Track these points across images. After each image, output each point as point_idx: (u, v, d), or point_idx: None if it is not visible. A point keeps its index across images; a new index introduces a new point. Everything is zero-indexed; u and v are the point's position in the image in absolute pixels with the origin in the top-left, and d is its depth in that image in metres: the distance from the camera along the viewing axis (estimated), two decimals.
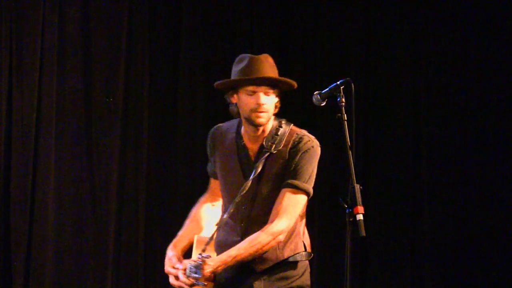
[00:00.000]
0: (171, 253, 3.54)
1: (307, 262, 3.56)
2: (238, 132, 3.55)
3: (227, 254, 3.35)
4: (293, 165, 3.42)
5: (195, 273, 3.25)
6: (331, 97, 3.33)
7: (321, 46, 5.84)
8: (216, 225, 3.50)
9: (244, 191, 3.42)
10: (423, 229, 5.75)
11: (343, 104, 3.21)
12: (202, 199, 3.75)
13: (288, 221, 3.39)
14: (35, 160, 5.57)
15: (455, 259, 5.70)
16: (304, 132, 3.50)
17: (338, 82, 3.26)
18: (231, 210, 3.43)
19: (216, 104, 5.81)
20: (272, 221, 3.38)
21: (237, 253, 3.35)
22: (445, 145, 5.77)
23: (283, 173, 3.43)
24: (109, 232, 5.62)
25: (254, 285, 3.45)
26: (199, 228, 3.65)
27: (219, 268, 3.33)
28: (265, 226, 3.38)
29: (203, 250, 3.46)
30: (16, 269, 5.51)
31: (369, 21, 5.89)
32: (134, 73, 5.77)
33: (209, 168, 3.69)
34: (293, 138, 3.46)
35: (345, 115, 3.20)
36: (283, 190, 3.41)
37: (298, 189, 3.41)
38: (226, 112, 5.78)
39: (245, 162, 3.50)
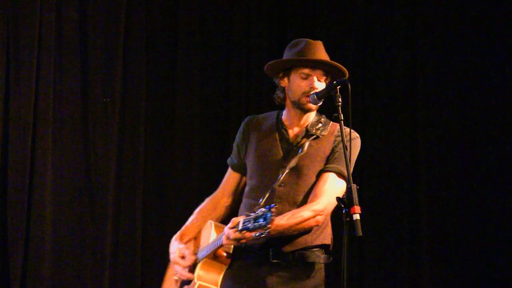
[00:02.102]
0: (181, 245, 3.53)
1: (323, 265, 3.50)
2: (278, 118, 3.53)
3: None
4: (338, 151, 3.43)
5: (264, 219, 2.99)
6: (328, 97, 3.34)
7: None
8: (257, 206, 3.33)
9: (292, 166, 3.37)
10: (420, 228, 5.76)
11: (340, 104, 3.22)
12: (211, 197, 3.70)
13: (328, 203, 3.37)
14: (32, 159, 5.55)
15: (452, 258, 5.70)
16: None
17: (335, 82, 3.26)
18: (279, 181, 3.35)
19: (213, 103, 5.83)
20: (313, 200, 3.35)
21: (278, 221, 3.25)
22: (442, 144, 5.78)
23: (326, 157, 3.42)
24: (107, 231, 5.61)
25: (267, 279, 3.41)
26: (205, 223, 3.63)
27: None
28: (306, 204, 3.34)
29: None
30: (13, 268, 5.50)
31: (366, 21, 5.90)
32: (131, 73, 5.76)
33: (232, 159, 3.64)
34: (336, 128, 3.47)
35: (342, 115, 3.21)
36: (327, 173, 3.39)
37: (341, 175, 3.40)
38: (224, 112, 5.82)
39: (285, 145, 3.47)
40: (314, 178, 3.42)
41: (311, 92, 3.40)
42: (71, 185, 5.64)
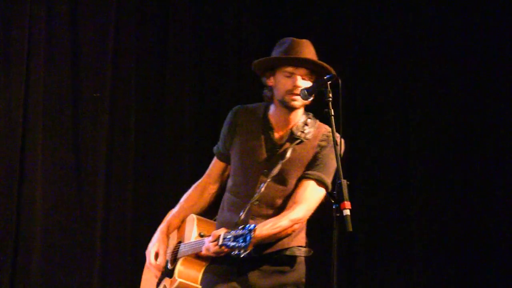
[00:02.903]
0: (156, 243, 3.63)
1: (303, 259, 3.55)
2: (265, 115, 3.53)
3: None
4: (320, 157, 3.44)
5: (244, 241, 3.07)
6: (318, 93, 3.33)
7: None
8: (240, 210, 3.41)
9: (274, 175, 3.40)
10: (410, 224, 5.77)
11: (330, 99, 3.21)
12: (197, 184, 3.72)
13: (306, 211, 3.40)
14: (22, 155, 5.54)
15: (444, 254, 5.71)
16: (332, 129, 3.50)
17: (325, 78, 3.26)
18: (263, 190, 3.39)
19: (204, 98, 5.83)
20: (292, 208, 3.38)
21: (259, 232, 3.27)
22: (434, 140, 5.79)
23: (309, 163, 3.43)
24: (96, 227, 5.61)
25: (249, 276, 3.43)
26: (192, 212, 3.65)
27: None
28: (284, 212, 3.37)
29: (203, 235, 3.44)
30: (2, 264, 5.49)
31: (359, 17, 5.90)
32: (121, 68, 5.75)
33: (218, 147, 3.65)
34: (322, 131, 3.48)
35: (332, 110, 3.21)
36: (307, 180, 3.41)
37: (321, 183, 3.42)
38: (215, 107, 5.81)
39: (269, 145, 3.48)
40: (294, 183, 3.44)
41: (302, 88, 3.39)
42: (61, 181, 5.63)
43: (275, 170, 3.41)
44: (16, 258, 5.52)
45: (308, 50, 3.46)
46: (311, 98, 3.41)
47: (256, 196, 3.40)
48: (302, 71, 3.42)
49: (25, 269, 5.52)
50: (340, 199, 3.05)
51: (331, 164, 3.43)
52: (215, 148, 3.67)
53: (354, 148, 5.74)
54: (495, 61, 5.76)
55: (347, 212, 3.01)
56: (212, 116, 5.82)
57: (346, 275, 5.74)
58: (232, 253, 3.11)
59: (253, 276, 3.43)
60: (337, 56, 5.83)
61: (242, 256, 3.09)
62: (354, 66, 5.87)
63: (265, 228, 3.32)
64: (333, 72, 3.39)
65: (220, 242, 3.17)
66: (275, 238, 3.39)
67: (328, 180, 3.42)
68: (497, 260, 5.66)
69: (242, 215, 3.40)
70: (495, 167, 5.72)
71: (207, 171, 3.70)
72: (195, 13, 5.84)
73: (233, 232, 3.13)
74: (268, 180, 3.41)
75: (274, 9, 5.93)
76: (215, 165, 3.67)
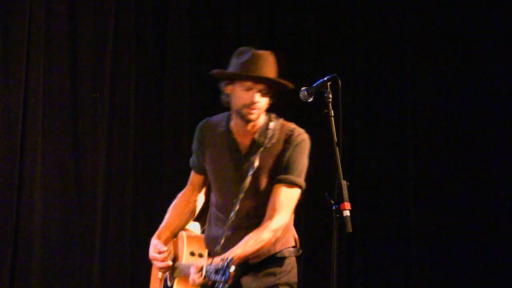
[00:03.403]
0: (156, 241, 3.58)
1: (294, 258, 3.56)
2: (228, 126, 3.54)
3: (234, 253, 3.28)
4: (286, 159, 3.43)
5: (223, 274, 3.13)
6: (318, 93, 3.33)
7: (308, 41, 5.85)
8: (224, 224, 3.46)
9: (246, 188, 3.41)
10: (409, 225, 5.77)
11: (330, 100, 3.22)
12: (182, 193, 3.73)
13: (285, 216, 3.41)
14: (22, 155, 5.54)
15: (442, 255, 5.72)
16: (294, 125, 3.50)
17: (325, 78, 3.26)
18: (237, 207, 3.41)
19: (203, 98, 5.82)
20: (271, 217, 3.38)
21: (243, 251, 3.31)
22: (432, 140, 5.80)
23: (277, 167, 3.43)
24: (96, 227, 5.61)
25: (241, 280, 3.45)
26: (180, 221, 3.67)
27: None
28: (265, 223, 3.38)
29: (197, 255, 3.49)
30: (2, 264, 5.49)
31: (357, 17, 5.90)
32: (120, 68, 5.75)
33: (193, 162, 3.66)
34: (284, 132, 3.47)
35: (332, 111, 3.21)
36: (278, 185, 3.41)
37: (293, 184, 3.42)
38: (213, 106, 5.80)
39: (235, 157, 3.49)
40: (268, 189, 3.45)
41: (302, 88, 3.39)
42: (60, 181, 5.63)
43: (246, 183, 3.42)
44: (16, 258, 5.52)
45: (268, 64, 3.42)
46: (311, 99, 3.40)
47: (232, 215, 3.42)
48: (261, 86, 3.40)
49: (25, 269, 5.52)
50: (340, 200, 3.05)
51: (300, 162, 3.43)
52: (190, 161, 3.68)
53: (354, 148, 5.75)
54: (495, 61, 5.76)
55: (346, 213, 3.02)
56: (211, 115, 5.81)
57: (345, 275, 5.74)
58: (216, 285, 3.15)
59: (245, 281, 3.46)
60: (336, 56, 5.84)
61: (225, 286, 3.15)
62: (354, 66, 5.87)
63: (248, 245, 3.33)
64: (291, 86, 3.42)
65: (204, 274, 3.20)
66: (261, 251, 3.40)
67: (300, 179, 3.42)
68: (496, 259, 5.67)
69: (226, 231, 3.43)
70: (495, 167, 5.73)
71: (189, 182, 3.72)
72: (194, 13, 5.84)
73: (214, 265, 3.16)
74: (242, 195, 3.42)
75: (273, 8, 5.93)
76: (194, 178, 3.69)
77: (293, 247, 3.55)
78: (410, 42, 5.85)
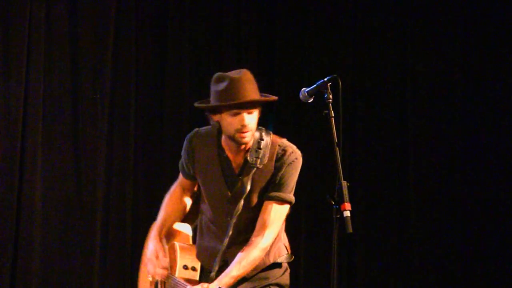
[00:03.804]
0: (158, 245, 3.62)
1: (286, 264, 3.62)
2: (218, 141, 3.53)
3: (229, 276, 3.38)
4: (278, 178, 3.46)
5: None
6: (318, 94, 3.33)
7: (308, 42, 5.85)
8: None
9: (239, 212, 3.44)
10: (410, 225, 5.77)
11: (330, 101, 3.21)
12: (173, 192, 3.74)
13: (274, 232, 3.47)
14: (22, 156, 5.54)
15: (444, 255, 5.72)
16: (285, 142, 3.51)
17: (326, 79, 3.25)
18: (231, 232, 3.45)
19: (203, 99, 5.81)
20: (261, 235, 3.43)
21: (237, 273, 3.39)
22: (432, 142, 5.79)
23: (269, 185, 3.47)
24: (96, 228, 5.60)
25: (237, 285, 3.48)
26: (174, 219, 3.71)
27: None
28: (254, 240, 3.43)
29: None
30: (3, 266, 5.49)
31: (357, 17, 5.90)
32: (121, 69, 5.75)
33: (183, 169, 3.66)
34: (276, 151, 3.48)
35: (332, 111, 3.20)
36: (269, 202, 3.45)
37: (284, 201, 3.47)
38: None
39: (228, 175, 3.50)
40: (261, 204, 3.48)
41: (302, 89, 3.38)
42: (60, 182, 5.63)
43: (240, 206, 3.45)
44: (16, 259, 5.51)
45: (248, 86, 3.39)
46: (311, 100, 3.40)
47: (226, 240, 3.45)
48: (247, 109, 3.39)
49: (25, 269, 5.52)
50: (340, 201, 3.05)
51: (292, 180, 3.47)
52: (180, 165, 3.68)
53: (354, 149, 5.74)
54: (495, 61, 5.76)
55: (347, 213, 3.02)
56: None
57: (345, 275, 5.74)
58: None
59: (239, 284, 3.49)
60: (336, 56, 5.83)
61: None
62: (354, 66, 5.87)
63: (242, 266, 3.40)
64: (275, 98, 3.45)
65: None
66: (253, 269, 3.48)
67: (289, 196, 3.46)
68: (496, 259, 5.67)
69: (220, 257, 3.47)
70: (495, 167, 5.73)
71: (179, 182, 3.73)
72: (194, 13, 5.84)
73: None
74: (234, 218, 3.45)
75: (273, 8, 5.92)
76: (184, 181, 3.71)
77: (285, 254, 3.61)
78: (410, 42, 5.85)
